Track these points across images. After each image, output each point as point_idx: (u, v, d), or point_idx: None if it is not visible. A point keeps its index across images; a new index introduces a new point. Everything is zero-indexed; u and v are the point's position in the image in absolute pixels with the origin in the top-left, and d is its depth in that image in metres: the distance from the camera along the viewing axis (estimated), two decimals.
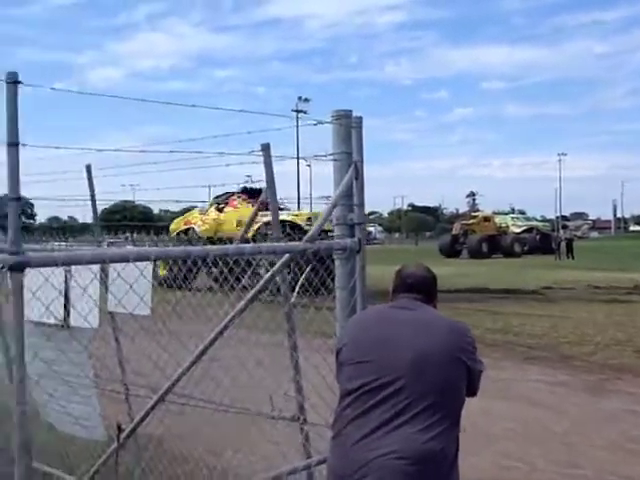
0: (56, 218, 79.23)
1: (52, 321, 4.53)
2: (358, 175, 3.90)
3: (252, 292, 3.87)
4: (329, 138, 3.99)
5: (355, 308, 3.89)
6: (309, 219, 22.96)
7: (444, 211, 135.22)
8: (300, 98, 76.08)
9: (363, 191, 3.95)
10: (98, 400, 4.98)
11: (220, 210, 27.13)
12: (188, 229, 27.02)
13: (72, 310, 4.67)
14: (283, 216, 25.20)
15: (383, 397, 2.87)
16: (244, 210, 26.15)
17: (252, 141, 4.07)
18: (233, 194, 26.45)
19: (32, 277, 3.64)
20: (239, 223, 25.10)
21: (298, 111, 58.30)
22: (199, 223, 27.44)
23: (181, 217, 30.13)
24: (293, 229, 20.39)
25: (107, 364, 5.32)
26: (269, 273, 3.85)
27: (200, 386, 4.55)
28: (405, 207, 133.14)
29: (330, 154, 3.96)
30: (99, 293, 4.56)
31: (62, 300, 4.61)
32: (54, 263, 2.76)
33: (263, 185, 4.15)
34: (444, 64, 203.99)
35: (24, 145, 2.57)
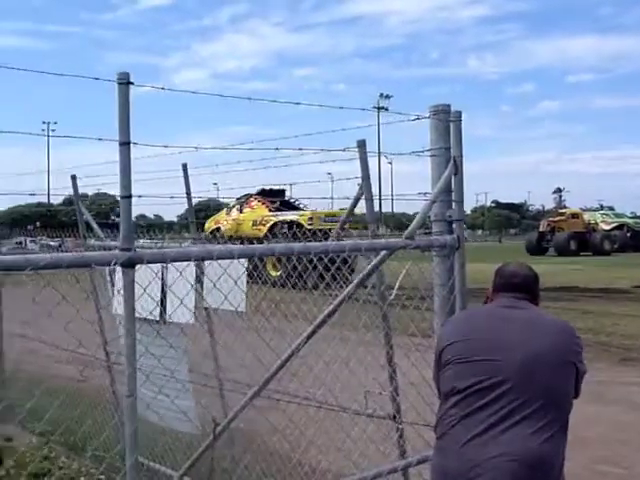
0: (143, 216, 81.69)
1: (149, 316, 4.64)
2: (457, 171, 3.83)
3: (347, 289, 3.85)
4: (408, 134, 3.96)
5: (454, 306, 3.82)
6: (310, 219, 24.86)
7: (529, 208, 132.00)
8: (382, 95, 76.07)
9: (462, 187, 3.88)
10: (193, 394, 5.07)
11: (240, 211, 28.63)
12: (218, 228, 28.28)
13: (168, 306, 4.77)
14: (290, 216, 26.56)
15: (492, 398, 2.81)
16: (259, 210, 28.25)
17: (331, 139, 4.13)
18: (251, 195, 27.44)
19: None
20: (255, 223, 27.40)
21: (379, 108, 58.13)
22: (224, 223, 28.69)
23: (213, 217, 31.47)
24: (297, 227, 22.03)
25: (200, 359, 5.41)
26: (365, 270, 3.83)
27: (294, 383, 4.57)
28: (488, 204, 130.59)
29: (428, 149, 3.90)
30: (194, 289, 4.63)
31: (159, 296, 4.72)
32: (164, 259, 2.82)
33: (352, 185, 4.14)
34: (529, 57, 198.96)
35: (135, 144, 2.63)
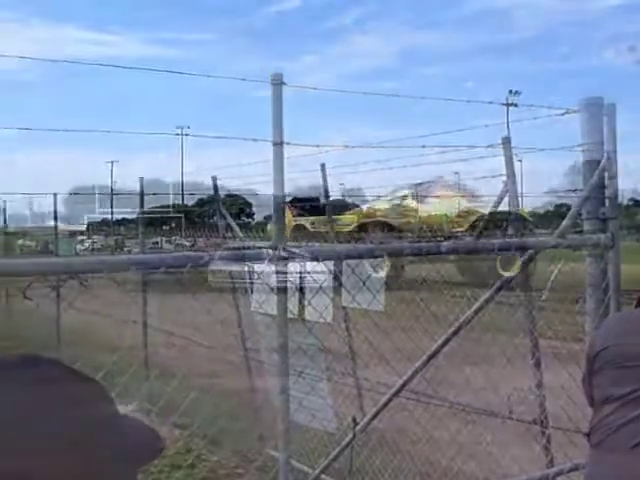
0: (270, 217, 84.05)
1: (290, 315, 4.70)
2: (611, 166, 3.64)
3: (489, 292, 3.75)
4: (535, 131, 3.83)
5: (609, 309, 3.63)
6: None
7: None
8: (510, 91, 74.26)
9: (617, 183, 3.69)
10: (330, 393, 5.10)
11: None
12: None
13: (307, 304, 4.82)
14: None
15: None
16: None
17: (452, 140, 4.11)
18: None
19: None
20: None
21: (509, 104, 56.76)
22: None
23: None
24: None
25: (337, 358, 5.44)
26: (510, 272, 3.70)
27: (432, 384, 4.49)
28: (625, 202, 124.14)
29: (579, 144, 3.73)
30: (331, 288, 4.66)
31: (297, 294, 4.78)
32: (314, 257, 2.83)
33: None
34: None
35: (287, 144, 2.65)
